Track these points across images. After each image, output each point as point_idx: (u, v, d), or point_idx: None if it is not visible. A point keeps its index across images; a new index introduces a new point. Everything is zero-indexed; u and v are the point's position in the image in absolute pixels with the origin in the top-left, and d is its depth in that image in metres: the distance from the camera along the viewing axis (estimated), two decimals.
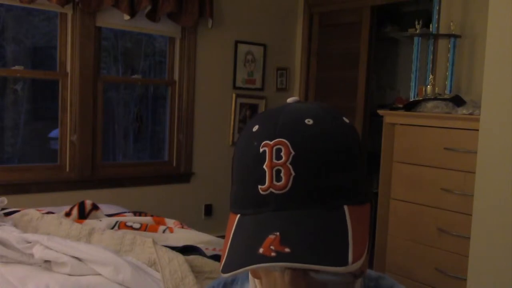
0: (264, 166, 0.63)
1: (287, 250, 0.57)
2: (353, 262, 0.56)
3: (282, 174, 0.62)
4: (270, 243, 0.58)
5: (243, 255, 0.59)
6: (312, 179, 0.62)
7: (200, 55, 4.19)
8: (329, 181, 0.62)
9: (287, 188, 0.61)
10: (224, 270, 0.59)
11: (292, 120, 0.65)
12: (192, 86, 4.19)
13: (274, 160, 0.62)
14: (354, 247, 0.58)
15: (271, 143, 0.63)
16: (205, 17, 4.06)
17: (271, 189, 0.62)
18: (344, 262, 0.56)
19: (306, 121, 0.64)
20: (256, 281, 0.71)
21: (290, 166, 0.62)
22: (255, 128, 0.67)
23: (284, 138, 0.63)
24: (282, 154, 0.62)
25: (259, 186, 0.63)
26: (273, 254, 0.56)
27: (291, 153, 0.62)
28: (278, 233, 0.59)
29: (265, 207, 0.62)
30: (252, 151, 0.65)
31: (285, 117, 0.66)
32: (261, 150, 0.64)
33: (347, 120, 0.69)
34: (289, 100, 0.72)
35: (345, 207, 0.62)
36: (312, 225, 0.60)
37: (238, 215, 0.66)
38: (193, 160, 4.25)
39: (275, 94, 4.60)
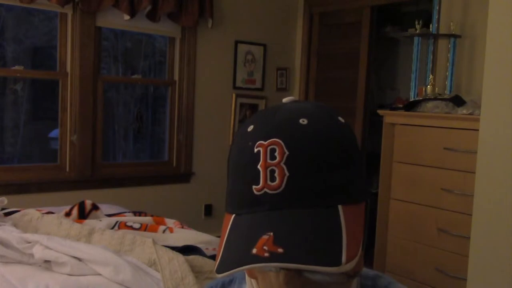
0: (259, 166, 0.62)
1: (280, 250, 0.56)
2: (347, 262, 0.56)
3: (276, 174, 0.61)
4: (264, 244, 0.57)
5: (237, 255, 0.59)
6: (306, 179, 0.61)
7: (200, 55, 4.19)
8: (323, 181, 0.62)
9: (281, 188, 0.61)
10: (218, 270, 0.59)
11: (286, 120, 0.65)
12: (192, 86, 4.19)
13: (269, 160, 0.62)
14: (348, 247, 0.57)
15: (265, 143, 0.63)
16: (205, 17, 4.06)
17: (265, 189, 0.62)
18: (337, 262, 0.56)
19: (300, 120, 0.64)
20: (253, 281, 0.71)
21: (284, 166, 0.61)
22: (250, 128, 0.67)
23: (278, 138, 0.63)
24: (276, 154, 0.62)
25: (254, 186, 0.63)
26: (266, 254, 0.56)
27: (285, 153, 0.62)
28: (271, 233, 0.58)
29: (260, 207, 0.62)
30: (247, 151, 0.64)
31: (279, 117, 0.66)
32: (255, 150, 0.63)
33: (342, 120, 0.68)
34: (285, 100, 0.71)
35: (340, 207, 0.62)
36: (306, 225, 0.60)
37: (233, 215, 0.66)
38: (193, 160, 4.25)
39: (275, 94, 4.59)
